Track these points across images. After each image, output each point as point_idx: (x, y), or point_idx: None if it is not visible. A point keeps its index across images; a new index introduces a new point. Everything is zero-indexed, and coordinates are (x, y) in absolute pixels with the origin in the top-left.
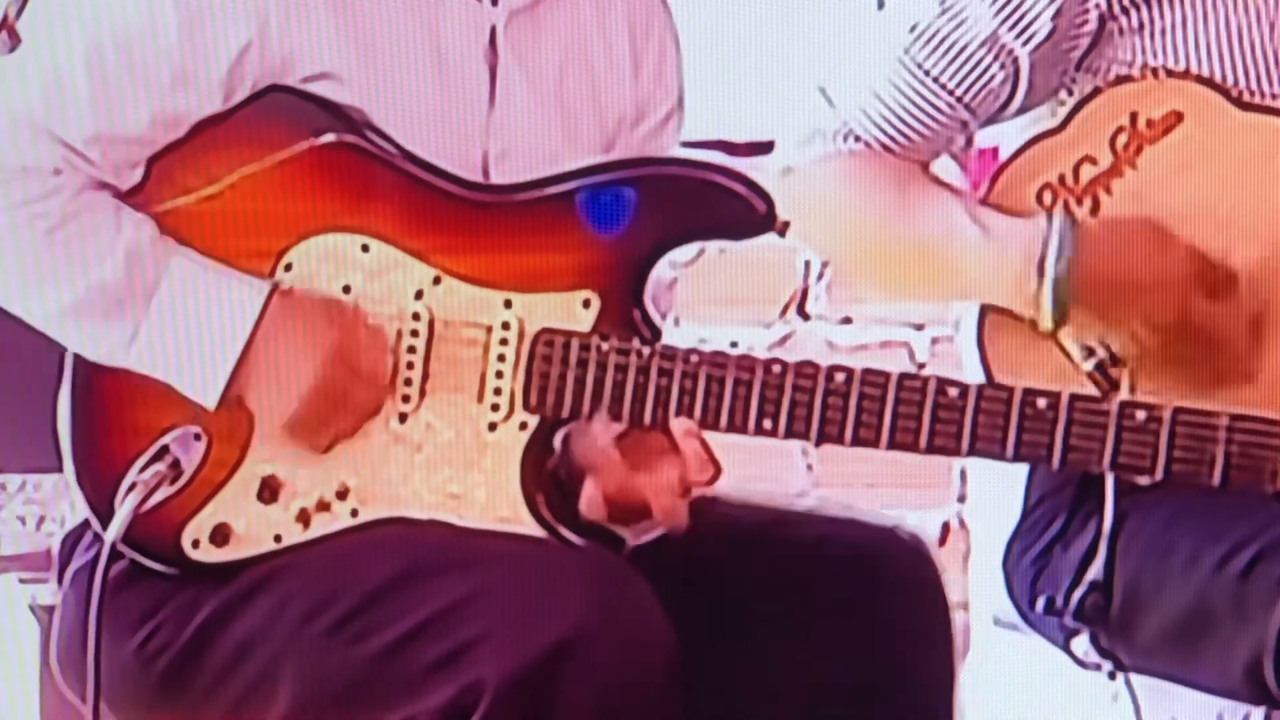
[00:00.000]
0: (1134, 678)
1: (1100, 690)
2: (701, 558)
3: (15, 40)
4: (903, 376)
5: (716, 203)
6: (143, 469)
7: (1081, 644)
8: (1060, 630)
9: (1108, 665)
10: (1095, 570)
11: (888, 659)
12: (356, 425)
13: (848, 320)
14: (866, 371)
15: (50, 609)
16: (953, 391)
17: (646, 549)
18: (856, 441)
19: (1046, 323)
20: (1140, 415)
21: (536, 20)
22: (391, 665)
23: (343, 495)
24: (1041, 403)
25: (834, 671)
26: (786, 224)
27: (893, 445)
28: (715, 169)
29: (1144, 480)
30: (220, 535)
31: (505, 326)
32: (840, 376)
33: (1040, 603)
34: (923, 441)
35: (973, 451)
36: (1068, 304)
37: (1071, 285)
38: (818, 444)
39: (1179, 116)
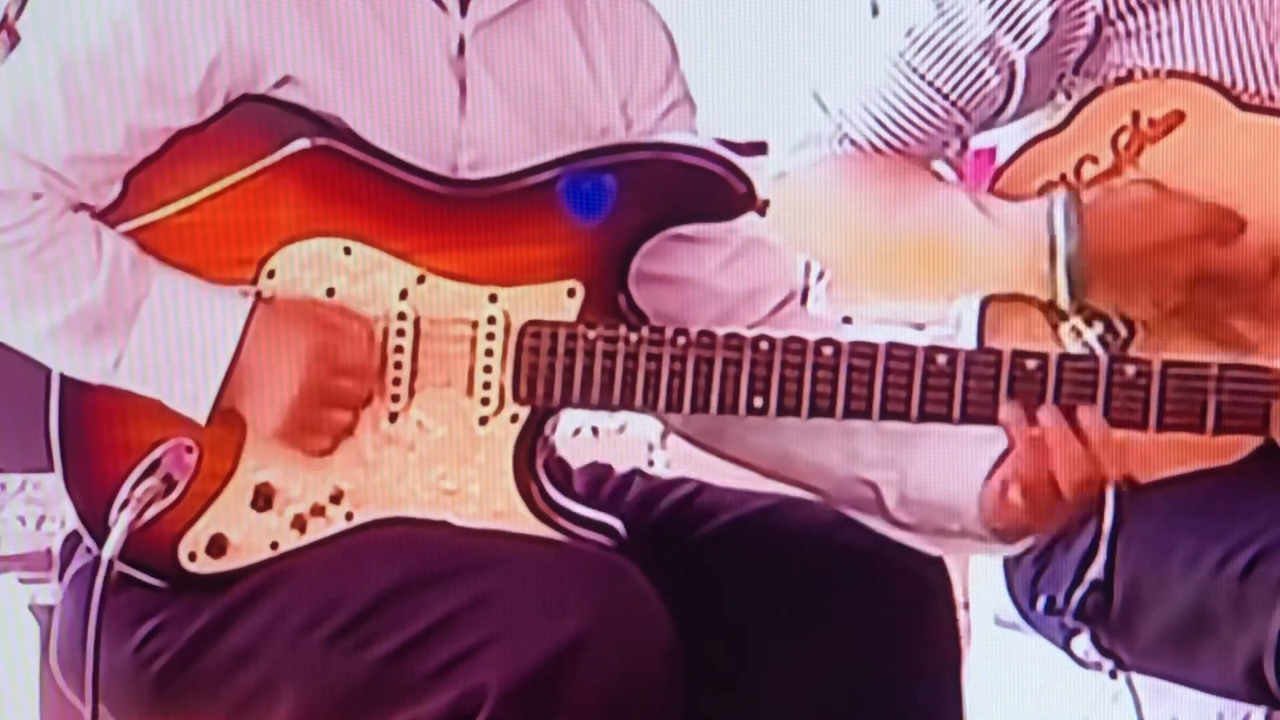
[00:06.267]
0: (1135, 677)
1: (1101, 690)
2: (704, 553)
3: (15, 39)
4: (891, 345)
5: (696, 185)
6: (135, 485)
7: (1082, 643)
8: (1061, 630)
9: (1108, 665)
10: (1096, 570)
11: (891, 656)
12: (353, 421)
13: (848, 320)
14: (855, 343)
15: (50, 609)
16: (942, 358)
17: (646, 545)
18: (848, 414)
19: (1064, 301)
20: (1130, 370)
21: (507, 29)
22: (394, 671)
23: (337, 499)
24: (1031, 364)
25: (835, 669)
26: (766, 203)
27: (884, 416)
28: (692, 151)
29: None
30: (217, 546)
31: (491, 321)
32: (828, 350)
33: (1041, 602)
34: (914, 410)
35: (965, 418)
36: (1084, 280)
37: (1084, 261)
38: (809, 419)
39: (1180, 116)
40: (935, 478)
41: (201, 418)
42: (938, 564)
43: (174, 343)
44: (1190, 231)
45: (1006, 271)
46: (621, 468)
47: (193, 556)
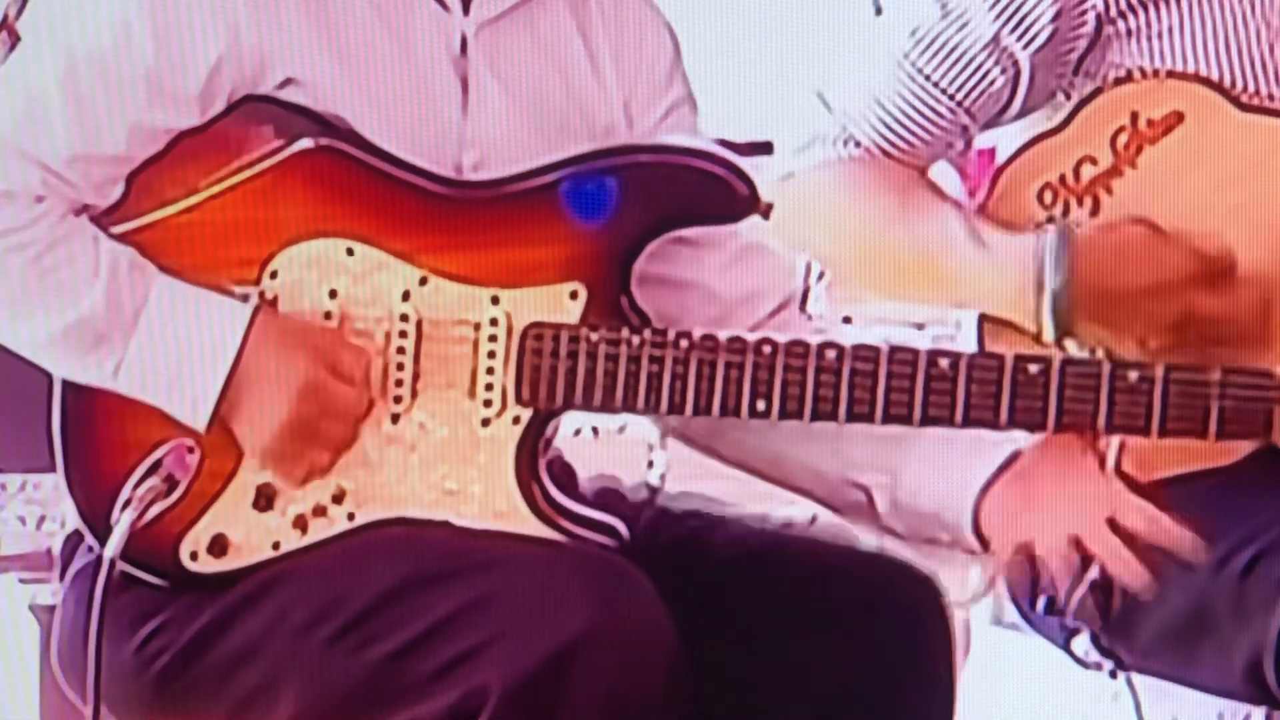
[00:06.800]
0: (1135, 677)
1: (1101, 690)
2: (708, 568)
3: (15, 40)
4: (894, 349)
5: (699, 187)
6: (137, 484)
7: (1082, 643)
8: (1061, 630)
9: (1108, 664)
10: (1096, 570)
11: (888, 667)
12: (330, 463)
13: (848, 320)
14: (857, 346)
15: (50, 609)
16: (944, 362)
17: (657, 555)
18: (851, 418)
19: (1049, 336)
20: (1133, 375)
21: (510, 28)
22: (395, 671)
23: (339, 499)
24: (1033, 368)
25: (836, 678)
26: (770, 206)
27: (887, 419)
28: (696, 153)
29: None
30: (218, 546)
31: (494, 322)
32: (831, 353)
33: (1041, 602)
34: (916, 414)
35: (967, 422)
36: (1069, 318)
37: (1071, 299)
38: (812, 423)
39: (1179, 116)
40: (928, 484)
41: (201, 425)
42: (930, 582)
43: (173, 350)
44: (1180, 277)
45: (997, 301)
46: (632, 492)
47: (194, 556)
